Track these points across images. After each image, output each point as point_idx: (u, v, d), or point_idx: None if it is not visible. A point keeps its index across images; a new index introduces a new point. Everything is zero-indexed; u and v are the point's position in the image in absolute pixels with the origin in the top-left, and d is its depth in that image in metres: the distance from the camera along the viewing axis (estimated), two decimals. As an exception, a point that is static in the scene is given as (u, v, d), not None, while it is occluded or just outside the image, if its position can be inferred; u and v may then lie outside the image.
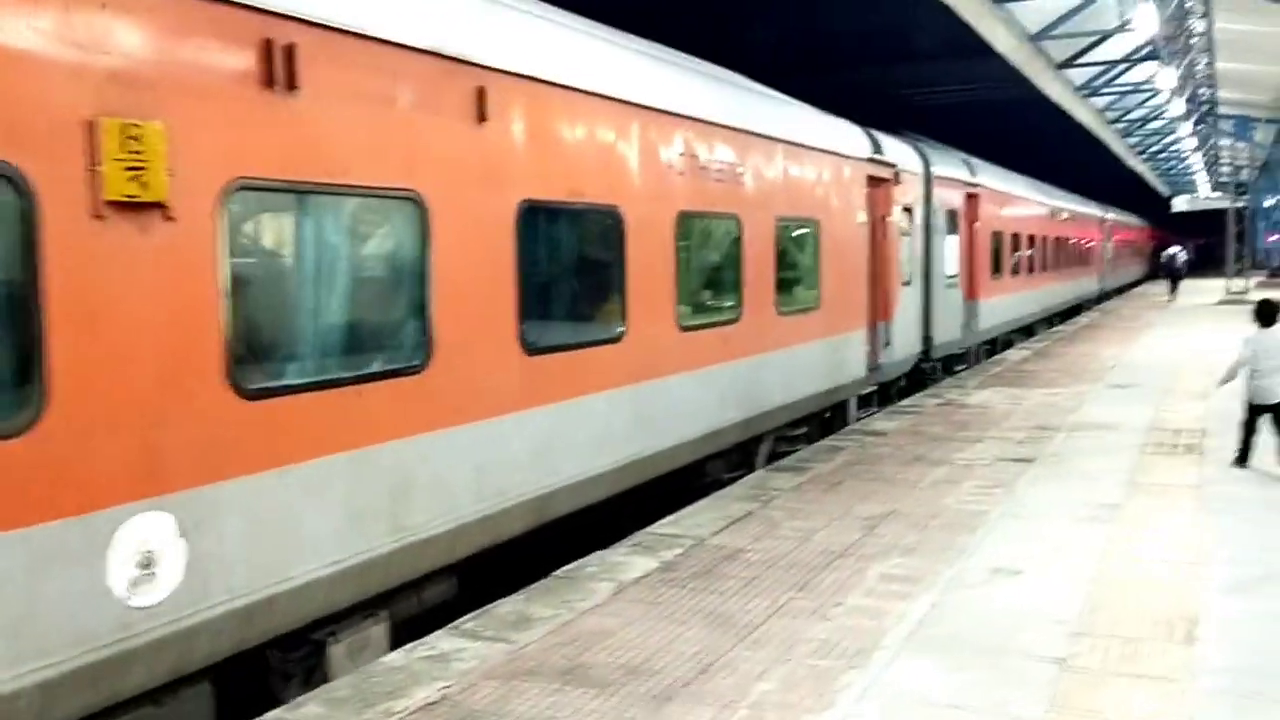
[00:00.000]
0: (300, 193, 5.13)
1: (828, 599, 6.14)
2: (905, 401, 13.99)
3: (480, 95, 6.15)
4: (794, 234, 11.19)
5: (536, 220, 6.85)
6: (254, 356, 4.90)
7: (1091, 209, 35.86)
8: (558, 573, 6.76)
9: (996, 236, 20.82)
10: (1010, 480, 9.06)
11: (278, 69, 4.84)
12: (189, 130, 4.44)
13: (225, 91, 4.65)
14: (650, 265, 8.15)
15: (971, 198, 18.63)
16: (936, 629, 5.63)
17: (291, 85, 4.91)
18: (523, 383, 6.65)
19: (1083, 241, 33.21)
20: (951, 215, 17.58)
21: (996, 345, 22.19)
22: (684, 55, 9.37)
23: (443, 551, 6.02)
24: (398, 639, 5.99)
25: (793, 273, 11.30)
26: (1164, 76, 18.61)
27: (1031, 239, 24.62)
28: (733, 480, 9.81)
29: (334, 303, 5.49)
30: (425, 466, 5.81)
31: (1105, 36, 18.08)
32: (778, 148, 10.49)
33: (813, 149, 11.44)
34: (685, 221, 8.74)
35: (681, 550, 7.20)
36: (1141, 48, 18.68)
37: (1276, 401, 9.46)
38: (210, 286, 4.57)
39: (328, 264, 5.44)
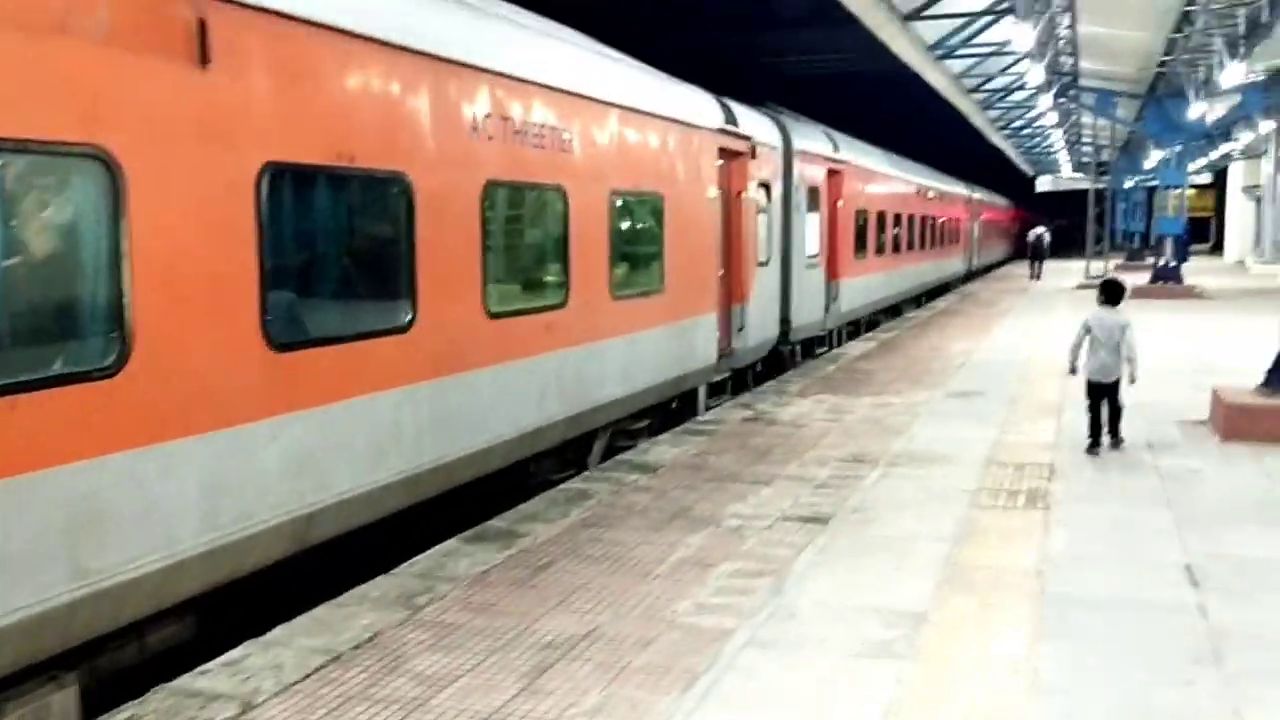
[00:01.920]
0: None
1: None
2: (708, 416, 11.56)
3: (201, 30, 4.97)
4: (632, 209, 10.24)
5: (287, 188, 5.72)
6: None
7: (958, 188, 36.03)
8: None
9: (861, 215, 20.31)
10: (786, 562, 6.34)
11: None
12: None
13: None
14: (449, 242, 7.08)
15: (834, 174, 18.01)
16: None
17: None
18: (270, 383, 5.52)
19: (949, 221, 33.28)
20: (813, 192, 16.91)
21: (860, 327, 21.79)
22: (497, 1, 8.28)
23: (150, 596, 4.88)
24: (109, 696, 4.87)
25: (631, 252, 10.36)
26: (1021, 35, 17.80)
27: (897, 217, 24.30)
28: (562, 480, 8.87)
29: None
30: (123, 492, 4.65)
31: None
32: (613, 113, 9.49)
33: (656, 117, 10.49)
34: (495, 193, 7.68)
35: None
36: (998, 3, 17.87)
37: (1111, 381, 9.43)
38: None
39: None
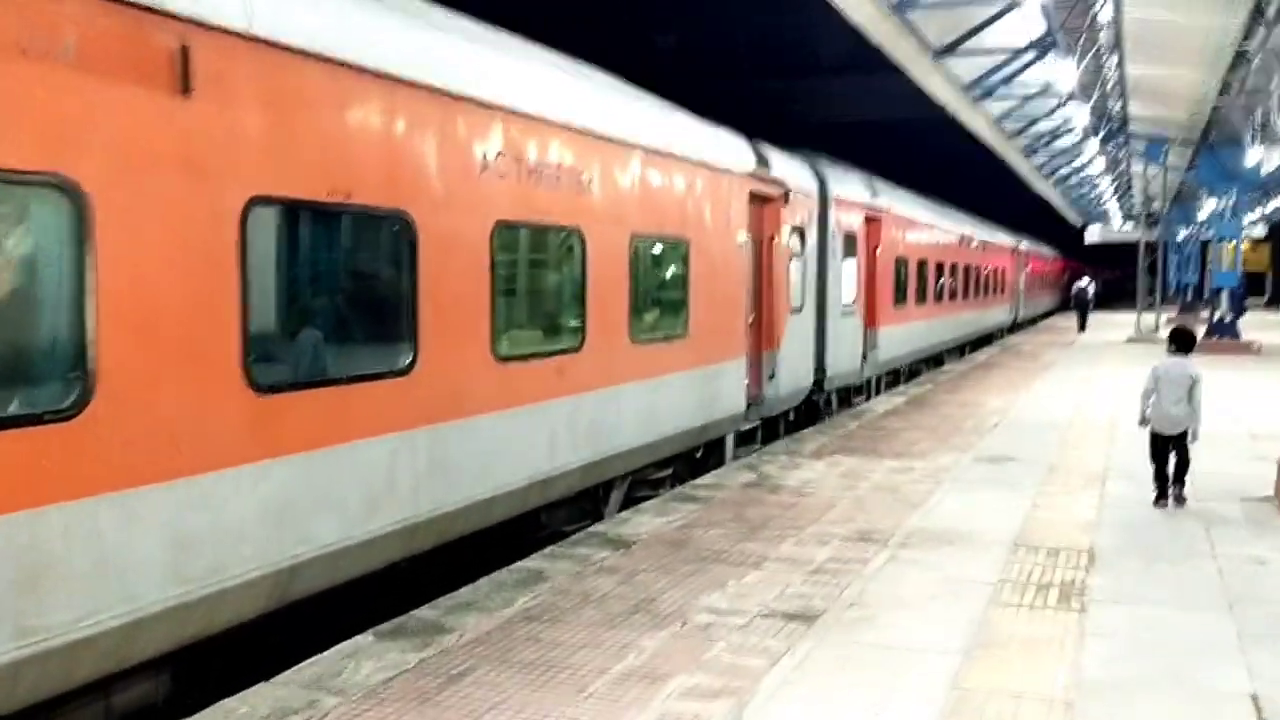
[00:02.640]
0: None
1: None
2: (708, 478, 10.41)
3: (184, 57, 4.75)
4: (655, 253, 9.94)
5: (275, 224, 5.47)
6: None
7: (1004, 238, 35.42)
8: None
9: (900, 262, 19.87)
10: (754, 677, 5.22)
11: None
12: None
13: None
14: (454, 284, 6.80)
15: (873, 221, 17.62)
16: None
17: None
18: (251, 428, 5.23)
19: (994, 270, 32.65)
20: (850, 239, 16.53)
21: (900, 376, 21.26)
22: (512, 34, 8.06)
23: (107, 655, 4.57)
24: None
25: (653, 296, 10.04)
26: (1063, 73, 17.13)
27: (939, 266, 23.80)
28: (577, 530, 8.50)
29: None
30: (76, 545, 4.36)
31: (991, 20, 16.30)
32: (635, 154, 9.23)
33: (683, 159, 10.21)
34: (506, 234, 7.41)
35: None
36: (1038, 40, 17.20)
37: (1178, 433, 9.09)
38: None
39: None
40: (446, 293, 6.70)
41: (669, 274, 10.30)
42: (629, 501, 9.78)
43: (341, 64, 5.72)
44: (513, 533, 8.03)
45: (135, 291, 4.60)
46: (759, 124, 15.66)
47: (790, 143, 15.32)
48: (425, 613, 6.15)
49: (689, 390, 10.46)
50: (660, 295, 10.22)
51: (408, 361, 6.38)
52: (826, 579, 6.89)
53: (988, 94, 19.70)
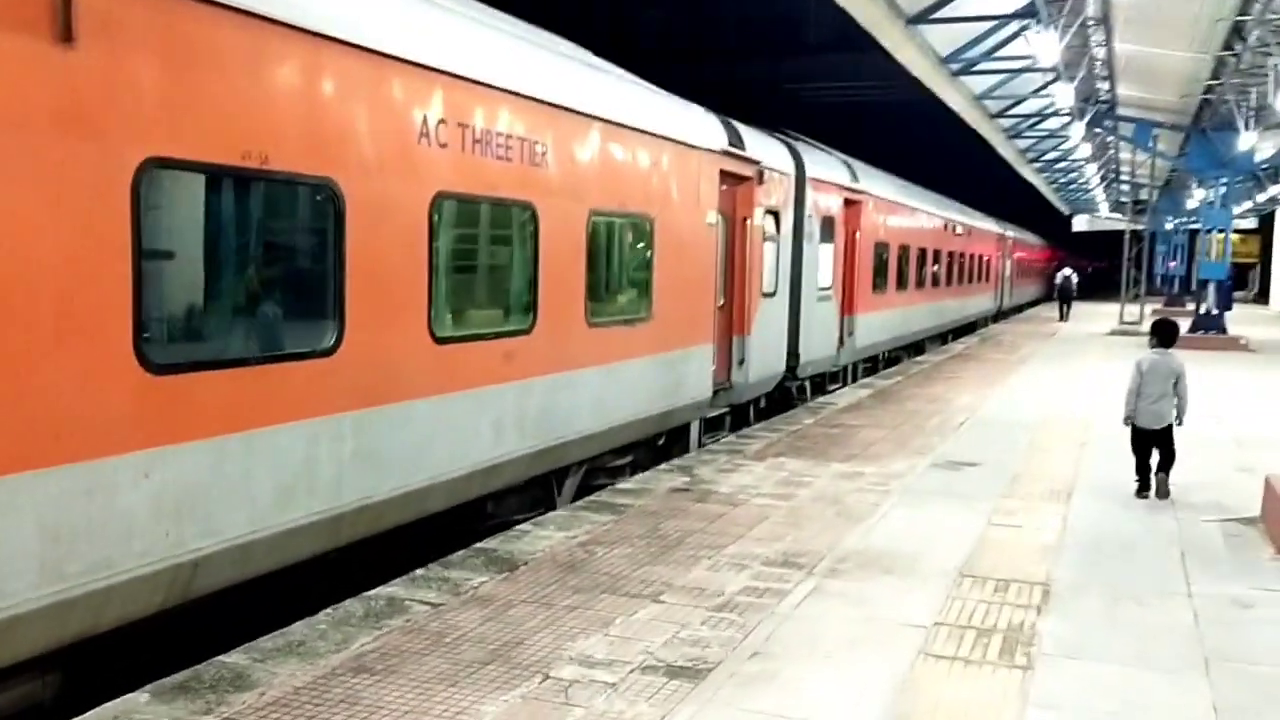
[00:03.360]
0: None
1: None
2: (633, 481, 9.37)
3: (65, 2, 4.30)
4: (615, 231, 9.51)
5: (175, 189, 5.03)
6: None
7: (990, 225, 35.07)
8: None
9: (880, 248, 19.48)
10: None
11: None
12: None
13: None
14: (386, 259, 6.37)
15: (852, 204, 17.21)
16: None
17: None
18: (144, 411, 4.81)
19: (978, 257, 32.30)
20: (828, 222, 16.12)
21: (879, 363, 20.91)
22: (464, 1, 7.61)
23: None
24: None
25: (613, 277, 9.63)
26: (1045, 47, 16.47)
27: (921, 252, 23.41)
28: (526, 519, 8.11)
29: None
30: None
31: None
32: (596, 127, 8.79)
33: (648, 134, 9.77)
34: (447, 207, 6.98)
35: None
36: (1021, 10, 16.56)
37: (1160, 428, 8.91)
38: None
39: None
40: (378, 268, 6.27)
41: (631, 254, 9.88)
42: (587, 489, 9.40)
43: (256, 16, 5.27)
44: (456, 522, 7.65)
45: (7, 262, 4.16)
46: (741, 106, 15.25)
47: (770, 125, 14.91)
48: (235, 658, 5.05)
49: (650, 376, 10.06)
50: (621, 276, 9.80)
51: (331, 342, 5.96)
52: (732, 618, 5.82)
53: (968, 68, 19.10)
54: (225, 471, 5.27)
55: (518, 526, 7.79)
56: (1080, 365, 20.47)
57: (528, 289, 7.99)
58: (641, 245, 9.91)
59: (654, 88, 10.57)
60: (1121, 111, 24.58)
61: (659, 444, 11.01)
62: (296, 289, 6.02)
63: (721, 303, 12.18)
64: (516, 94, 7.59)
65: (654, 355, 10.10)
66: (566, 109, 8.29)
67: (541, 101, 7.92)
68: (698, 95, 11.99)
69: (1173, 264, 49.33)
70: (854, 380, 18.42)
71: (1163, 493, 8.99)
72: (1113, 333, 29.31)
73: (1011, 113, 24.61)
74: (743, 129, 12.56)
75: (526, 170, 7.78)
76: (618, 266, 9.70)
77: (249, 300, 5.66)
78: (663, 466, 10.10)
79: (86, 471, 4.54)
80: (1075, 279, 39.03)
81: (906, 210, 21.58)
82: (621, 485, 9.25)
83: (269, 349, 5.61)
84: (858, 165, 18.08)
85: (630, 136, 9.40)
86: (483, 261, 7.76)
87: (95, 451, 4.58)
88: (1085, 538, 7.77)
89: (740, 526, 7.85)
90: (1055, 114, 24.31)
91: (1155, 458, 9.05)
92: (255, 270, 5.73)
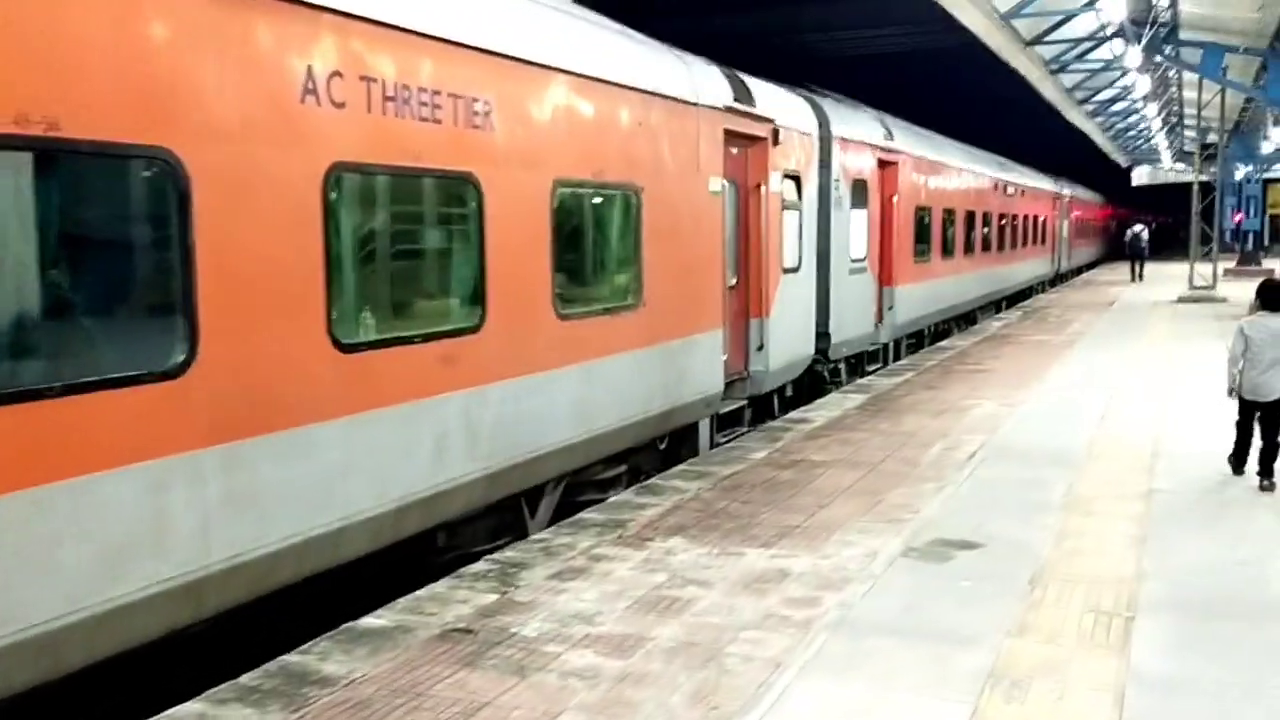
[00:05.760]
0: None
1: None
2: (400, 607, 5.67)
3: None
4: (589, 204, 8.09)
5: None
6: None
7: (1045, 183, 32.95)
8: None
9: (922, 212, 17.80)
10: None
11: None
12: None
13: None
14: (259, 249, 5.03)
15: (887, 165, 15.58)
16: None
17: None
18: None
19: (1032, 218, 30.25)
20: (860, 185, 14.54)
21: (924, 338, 19.26)
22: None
23: None
24: None
25: (589, 259, 8.22)
26: None
27: (969, 215, 21.63)
28: (482, 554, 6.77)
29: None
30: None
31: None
32: (560, 81, 7.37)
33: (629, 89, 8.32)
34: (350, 181, 5.62)
35: None
36: None
37: (1273, 399, 8.00)
38: None
39: None
40: (246, 261, 4.94)
41: (613, 231, 8.44)
42: (570, 508, 8.04)
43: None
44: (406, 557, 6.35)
45: None
46: (761, 60, 13.73)
47: (791, 79, 13.35)
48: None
49: (643, 371, 8.65)
50: (600, 258, 8.40)
51: (180, 360, 4.63)
52: None
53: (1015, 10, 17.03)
54: (19, 543, 3.97)
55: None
56: (1143, 348, 16.59)
57: (472, 279, 6.61)
58: (625, 220, 8.47)
59: (639, 35, 9.12)
60: (1185, 36, 21.61)
61: (662, 448, 9.61)
62: (123, 294, 4.68)
63: (734, 282, 10.73)
64: (445, 40, 6.19)
65: (646, 347, 8.68)
66: (517, 59, 6.88)
67: (482, 50, 6.52)
68: (713, 49, 10.52)
69: (1239, 217, 46.26)
70: (897, 359, 16.82)
71: (1267, 487, 7.93)
72: (1181, 300, 25.77)
73: (1054, 37, 21.47)
74: (753, 82, 11.03)
75: (462, 134, 6.38)
76: (595, 246, 8.28)
77: (56, 307, 4.31)
78: (472, 568, 6.37)
79: None
80: (1146, 235, 36.51)
81: (951, 170, 19.85)
82: (371, 620, 5.50)
83: (84, 373, 4.28)
84: (894, 122, 16.43)
85: (606, 92, 7.96)
86: (405, 247, 6.38)
87: None
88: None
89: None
90: (1106, 38, 21.46)
91: (1258, 444, 8.02)
92: (66, 268, 4.38)
